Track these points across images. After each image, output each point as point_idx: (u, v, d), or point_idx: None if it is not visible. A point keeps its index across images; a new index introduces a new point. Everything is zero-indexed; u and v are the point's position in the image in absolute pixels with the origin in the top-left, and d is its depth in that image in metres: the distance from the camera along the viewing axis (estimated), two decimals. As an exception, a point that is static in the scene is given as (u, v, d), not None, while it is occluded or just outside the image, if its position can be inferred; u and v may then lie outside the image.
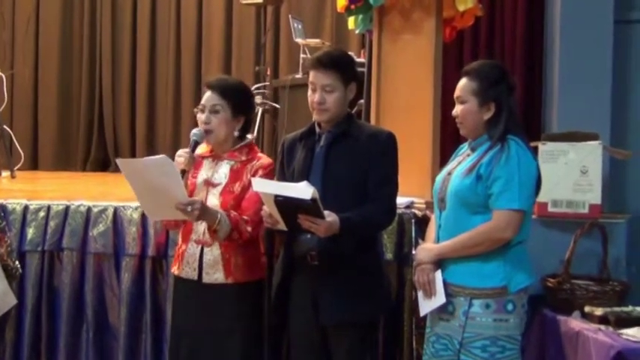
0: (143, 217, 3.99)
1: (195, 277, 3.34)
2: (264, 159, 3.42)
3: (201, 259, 3.33)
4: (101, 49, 8.70)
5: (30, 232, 4.06)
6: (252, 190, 3.23)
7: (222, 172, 3.38)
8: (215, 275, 3.32)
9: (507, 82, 3.08)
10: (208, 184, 3.37)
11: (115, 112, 8.66)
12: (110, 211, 4.04)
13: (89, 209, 4.07)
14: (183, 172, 3.23)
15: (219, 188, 3.35)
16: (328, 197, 2.99)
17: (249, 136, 3.50)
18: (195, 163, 3.36)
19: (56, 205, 4.10)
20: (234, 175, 3.36)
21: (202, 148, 3.45)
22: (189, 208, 3.11)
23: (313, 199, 2.86)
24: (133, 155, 8.48)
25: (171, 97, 8.54)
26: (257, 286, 3.44)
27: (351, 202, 3.12)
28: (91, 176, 7.70)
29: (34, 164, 8.47)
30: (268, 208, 3.07)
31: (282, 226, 3.08)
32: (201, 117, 3.36)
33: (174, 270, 3.46)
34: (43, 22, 8.71)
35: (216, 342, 3.33)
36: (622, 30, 4.37)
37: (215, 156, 3.42)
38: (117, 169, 9.13)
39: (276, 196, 2.94)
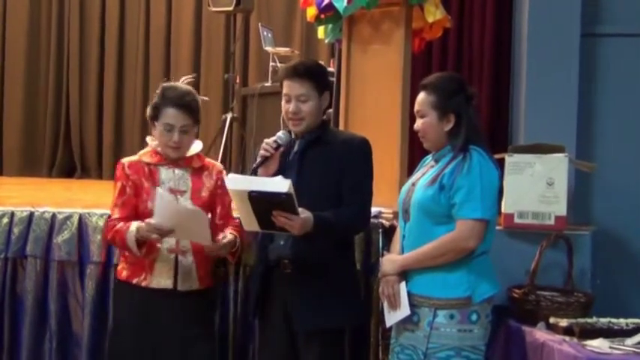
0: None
1: (170, 286, 3.37)
2: (217, 164, 3.59)
3: (176, 267, 3.37)
4: (68, 55, 8.63)
5: (-7, 238, 4.00)
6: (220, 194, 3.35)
7: (184, 178, 3.44)
8: (189, 282, 3.39)
9: (465, 93, 3.10)
10: (175, 191, 3.40)
11: (81, 118, 8.59)
12: (75, 218, 3.99)
13: (54, 216, 4.01)
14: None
15: (187, 195, 3.40)
16: (302, 202, 2.98)
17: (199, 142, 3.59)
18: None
19: (20, 211, 4.04)
20: (195, 181, 3.44)
21: (147, 155, 3.47)
22: (222, 251, 3.34)
23: (288, 194, 2.87)
24: (100, 162, 8.45)
25: (139, 104, 8.46)
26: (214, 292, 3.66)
27: (325, 207, 3.13)
28: (56, 182, 7.61)
29: (-2, 170, 8.38)
30: (238, 208, 3.07)
31: (251, 227, 3.07)
32: (173, 136, 3.36)
33: (138, 281, 3.40)
34: (10, 29, 8.63)
35: (185, 348, 3.36)
36: (589, 43, 4.39)
37: (170, 163, 3.45)
38: (83, 176, 9.02)
39: (251, 192, 2.94)
